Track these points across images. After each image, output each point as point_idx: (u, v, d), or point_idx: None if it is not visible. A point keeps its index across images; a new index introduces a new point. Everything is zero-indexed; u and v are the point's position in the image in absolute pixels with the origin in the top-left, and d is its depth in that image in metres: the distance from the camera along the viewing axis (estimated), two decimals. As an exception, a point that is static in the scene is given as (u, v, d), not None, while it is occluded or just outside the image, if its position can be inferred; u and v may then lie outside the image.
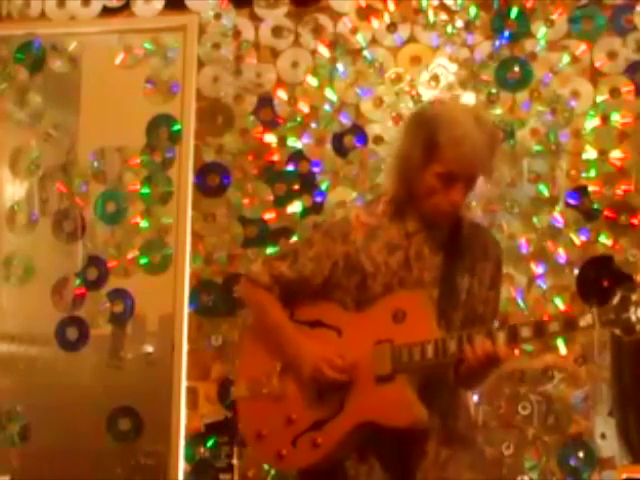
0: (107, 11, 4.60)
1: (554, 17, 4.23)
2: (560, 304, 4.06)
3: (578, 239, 4.11)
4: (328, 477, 2.56)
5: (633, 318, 2.18)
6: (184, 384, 4.29)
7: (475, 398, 4.01)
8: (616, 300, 2.23)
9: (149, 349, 4.47)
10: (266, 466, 4.09)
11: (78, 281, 4.49)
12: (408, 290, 2.55)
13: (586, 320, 2.27)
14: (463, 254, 2.60)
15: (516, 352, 4.02)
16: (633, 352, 3.42)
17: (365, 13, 4.38)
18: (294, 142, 4.38)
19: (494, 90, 4.25)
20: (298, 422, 2.57)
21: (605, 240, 4.09)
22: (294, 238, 4.25)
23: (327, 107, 4.36)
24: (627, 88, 4.16)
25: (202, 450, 4.23)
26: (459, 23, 4.29)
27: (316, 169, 4.35)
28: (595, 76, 4.20)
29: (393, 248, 2.59)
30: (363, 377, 2.50)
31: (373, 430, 2.49)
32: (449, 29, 4.29)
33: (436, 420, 2.52)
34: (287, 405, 2.60)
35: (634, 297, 2.18)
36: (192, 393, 4.29)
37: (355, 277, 2.59)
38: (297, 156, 4.37)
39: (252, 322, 2.83)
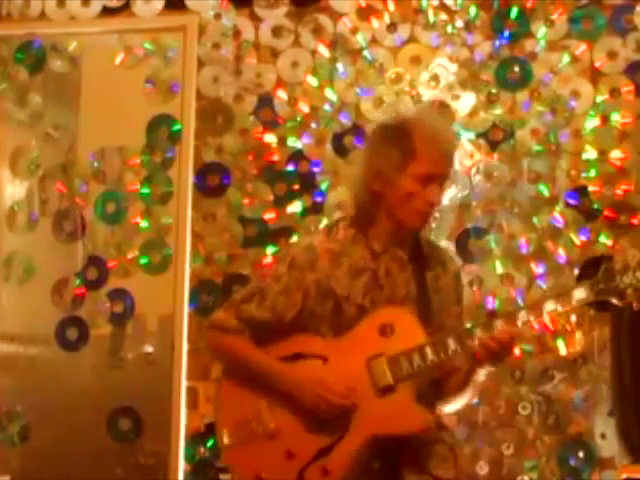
0: (107, 11, 4.60)
1: (554, 17, 4.23)
2: (560, 304, 4.06)
3: (578, 239, 4.11)
4: None
5: (621, 285, 2.38)
6: (184, 384, 4.29)
7: (475, 399, 4.02)
8: (601, 272, 2.40)
9: (149, 349, 4.47)
10: None
11: (78, 281, 4.49)
12: (389, 306, 2.57)
13: (580, 293, 2.42)
14: (427, 270, 2.64)
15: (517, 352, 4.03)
16: (633, 352, 3.42)
17: (365, 13, 4.38)
18: (294, 142, 4.37)
19: (494, 90, 4.24)
20: (300, 454, 2.52)
21: (605, 240, 4.09)
22: (294, 238, 4.25)
23: (327, 107, 4.36)
24: (627, 88, 4.16)
25: (202, 450, 4.23)
26: (459, 23, 4.29)
27: (316, 169, 4.35)
28: (595, 76, 4.19)
29: (360, 270, 2.60)
30: (363, 394, 2.50)
31: (379, 443, 2.49)
32: (449, 29, 4.29)
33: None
34: (283, 440, 2.56)
35: (617, 267, 2.38)
36: (192, 393, 4.29)
37: (328, 303, 2.60)
38: (297, 156, 4.37)
39: (226, 369, 2.78)
